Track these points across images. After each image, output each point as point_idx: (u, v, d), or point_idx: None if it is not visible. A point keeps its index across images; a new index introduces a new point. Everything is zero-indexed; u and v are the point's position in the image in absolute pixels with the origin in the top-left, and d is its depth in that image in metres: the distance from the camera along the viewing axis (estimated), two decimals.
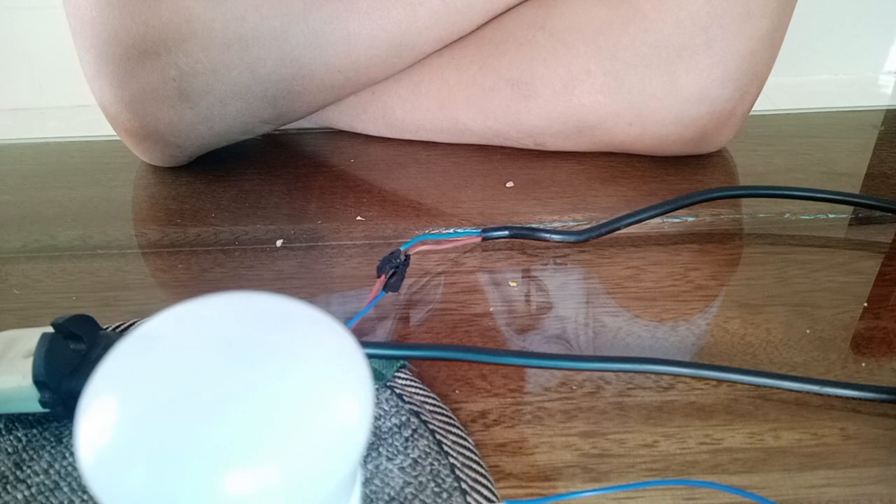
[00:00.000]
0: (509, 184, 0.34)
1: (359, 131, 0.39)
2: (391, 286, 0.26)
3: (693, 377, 0.23)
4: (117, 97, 0.32)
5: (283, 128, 0.40)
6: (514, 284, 0.28)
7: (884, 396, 0.22)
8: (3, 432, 0.21)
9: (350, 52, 0.32)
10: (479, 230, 0.29)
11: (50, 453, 0.20)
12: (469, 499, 0.19)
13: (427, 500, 0.19)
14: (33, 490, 0.19)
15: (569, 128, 0.35)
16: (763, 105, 0.37)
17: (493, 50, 0.34)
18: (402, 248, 0.27)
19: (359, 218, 0.32)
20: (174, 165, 0.37)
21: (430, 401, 0.22)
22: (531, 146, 0.36)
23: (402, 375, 0.23)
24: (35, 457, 0.20)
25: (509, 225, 0.30)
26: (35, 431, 0.21)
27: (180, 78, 0.31)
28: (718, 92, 0.32)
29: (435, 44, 0.34)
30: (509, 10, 0.34)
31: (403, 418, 0.21)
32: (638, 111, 0.33)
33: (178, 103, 0.32)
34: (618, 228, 0.30)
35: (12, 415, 0.22)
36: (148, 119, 0.32)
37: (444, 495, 0.19)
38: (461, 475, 0.20)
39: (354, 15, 0.32)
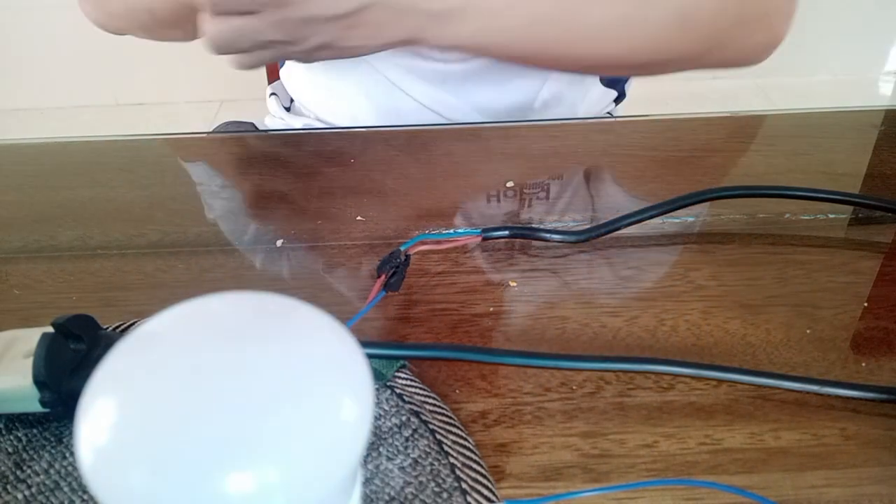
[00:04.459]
0: (509, 184, 0.34)
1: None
2: (391, 286, 0.26)
3: (693, 377, 0.23)
4: None
5: (283, 128, 0.40)
6: (514, 284, 0.28)
7: (884, 396, 0.22)
8: (3, 432, 0.21)
9: None
10: (479, 230, 0.29)
11: (50, 453, 0.20)
12: (469, 499, 0.19)
13: (427, 500, 0.19)
14: (33, 490, 0.19)
15: None
16: (763, 105, 0.37)
17: None
18: (402, 248, 0.27)
19: (359, 218, 0.32)
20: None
21: (430, 401, 0.22)
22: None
23: (402, 375, 0.23)
24: (35, 457, 0.20)
25: (509, 225, 0.30)
26: (35, 431, 0.21)
27: None
28: None
29: None
30: None
31: (403, 418, 0.21)
32: None
33: None
34: (618, 228, 0.30)
35: (12, 415, 0.22)
36: None
37: (445, 495, 0.19)
38: (461, 475, 0.20)
39: None
